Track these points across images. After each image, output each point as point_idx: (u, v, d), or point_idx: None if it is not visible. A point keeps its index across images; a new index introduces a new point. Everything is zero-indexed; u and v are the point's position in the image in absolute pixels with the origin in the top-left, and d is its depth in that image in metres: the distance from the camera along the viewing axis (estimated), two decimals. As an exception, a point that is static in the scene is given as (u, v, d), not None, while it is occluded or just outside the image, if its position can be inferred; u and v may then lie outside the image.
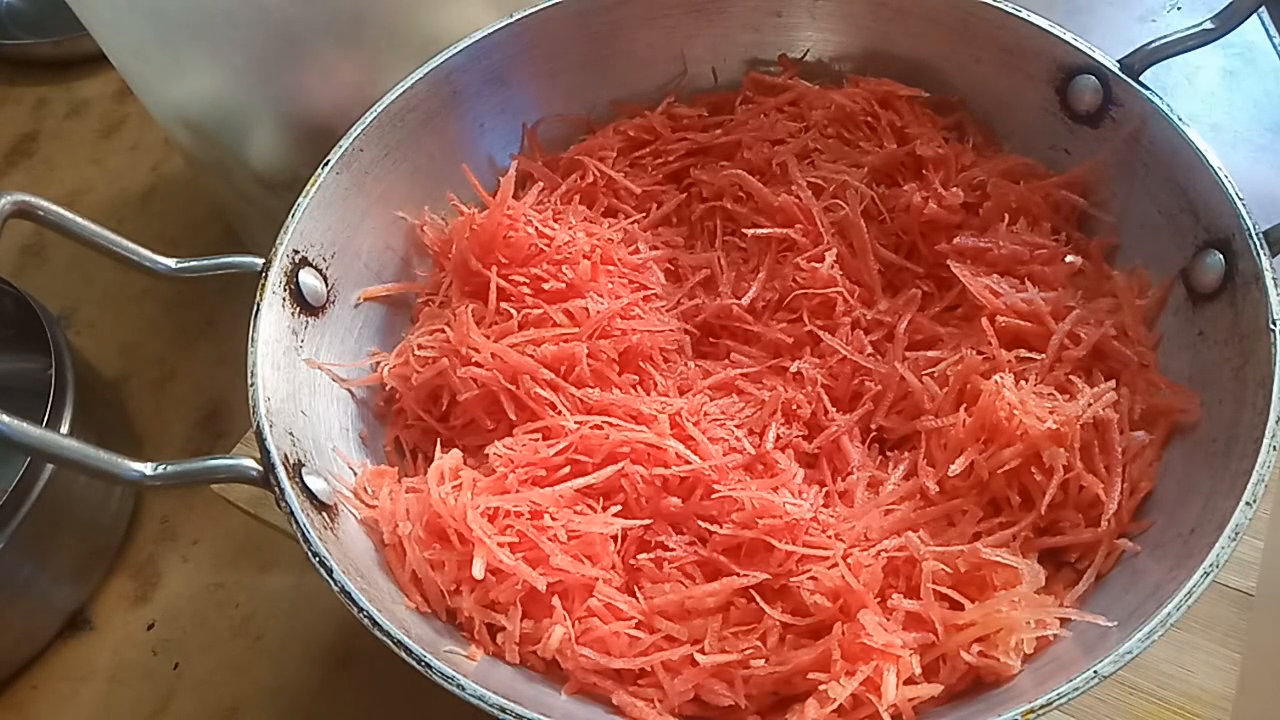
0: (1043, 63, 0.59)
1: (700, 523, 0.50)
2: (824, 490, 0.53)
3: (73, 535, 0.63)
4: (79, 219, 0.48)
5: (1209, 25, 0.53)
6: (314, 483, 0.48)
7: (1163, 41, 0.54)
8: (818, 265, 0.58)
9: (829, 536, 0.48)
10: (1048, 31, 0.58)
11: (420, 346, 0.56)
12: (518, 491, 0.50)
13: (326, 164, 0.55)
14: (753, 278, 0.60)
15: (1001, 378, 0.51)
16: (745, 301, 0.60)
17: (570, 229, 0.59)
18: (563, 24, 0.63)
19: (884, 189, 0.61)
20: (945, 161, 0.61)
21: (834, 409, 0.54)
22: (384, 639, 0.41)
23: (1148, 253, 0.56)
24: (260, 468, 0.45)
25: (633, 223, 0.63)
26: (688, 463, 0.51)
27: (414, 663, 0.41)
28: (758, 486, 0.50)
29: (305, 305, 0.54)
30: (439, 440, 0.55)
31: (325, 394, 0.54)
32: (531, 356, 0.54)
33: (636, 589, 0.49)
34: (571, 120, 0.66)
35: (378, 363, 0.57)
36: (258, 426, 0.47)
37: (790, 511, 0.48)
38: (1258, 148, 0.77)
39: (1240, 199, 0.50)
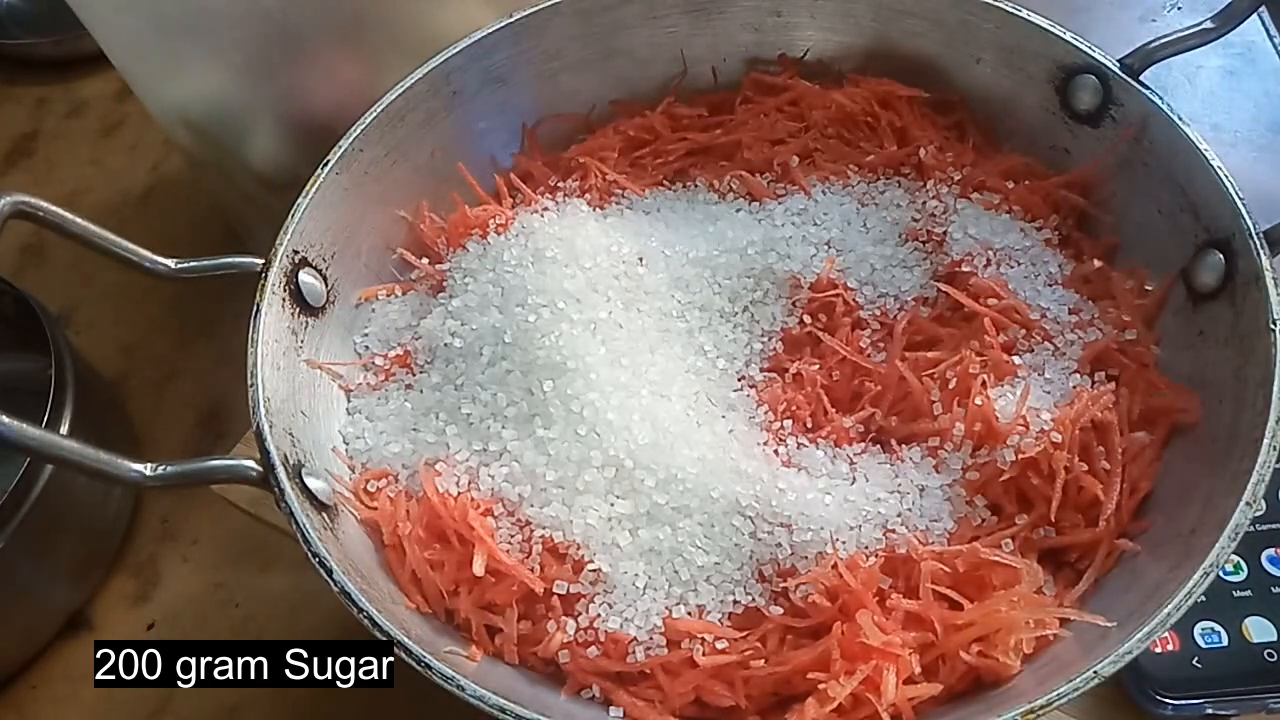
0: (1043, 62, 0.59)
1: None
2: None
3: (72, 535, 0.63)
4: (79, 219, 0.48)
5: (1209, 25, 0.53)
6: (314, 483, 0.47)
7: (1163, 41, 0.54)
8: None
9: (828, 536, 0.48)
10: (1048, 31, 0.58)
11: (421, 346, 0.56)
12: (517, 491, 0.50)
13: (326, 164, 0.55)
14: (752, 278, 0.60)
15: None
16: (745, 301, 0.59)
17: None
18: (563, 23, 0.63)
19: (884, 189, 0.61)
20: (945, 162, 0.61)
21: (834, 409, 0.54)
22: (384, 639, 0.41)
23: (1148, 252, 0.56)
24: (260, 468, 0.45)
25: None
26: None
27: (414, 663, 0.41)
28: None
29: (305, 305, 0.54)
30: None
31: (325, 394, 0.54)
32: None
33: (636, 589, 0.49)
34: (572, 120, 0.66)
35: (378, 363, 0.57)
36: (257, 427, 0.47)
37: (790, 511, 0.48)
38: (1258, 147, 0.77)
39: (1240, 198, 0.50)
